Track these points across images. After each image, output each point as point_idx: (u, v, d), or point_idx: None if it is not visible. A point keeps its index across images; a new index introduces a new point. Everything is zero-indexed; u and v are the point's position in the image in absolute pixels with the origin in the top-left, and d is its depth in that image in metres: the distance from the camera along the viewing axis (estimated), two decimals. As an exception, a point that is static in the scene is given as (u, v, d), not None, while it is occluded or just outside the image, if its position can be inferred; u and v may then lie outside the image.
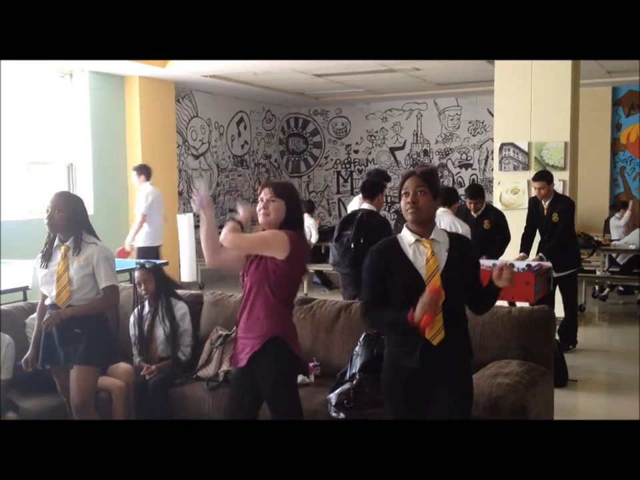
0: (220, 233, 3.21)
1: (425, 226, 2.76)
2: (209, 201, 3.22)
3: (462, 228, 5.36)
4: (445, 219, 5.34)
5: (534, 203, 6.39)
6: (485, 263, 5.53)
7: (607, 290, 8.76)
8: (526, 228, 6.42)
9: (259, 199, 3.20)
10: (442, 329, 2.70)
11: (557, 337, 5.24)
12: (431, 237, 2.75)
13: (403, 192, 2.75)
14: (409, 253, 2.76)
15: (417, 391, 2.77)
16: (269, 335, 3.12)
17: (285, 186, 3.30)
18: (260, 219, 3.19)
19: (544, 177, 6.17)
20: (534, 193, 6.36)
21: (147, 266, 4.49)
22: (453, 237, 2.84)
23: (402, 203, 2.76)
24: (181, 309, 4.42)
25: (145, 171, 7.84)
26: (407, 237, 2.79)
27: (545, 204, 6.22)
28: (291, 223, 3.17)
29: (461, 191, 8.64)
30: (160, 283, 4.44)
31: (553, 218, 6.13)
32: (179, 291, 4.66)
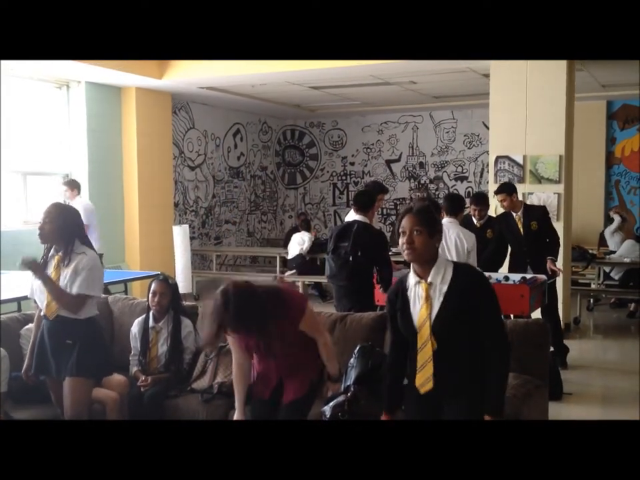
0: None
1: (426, 264, 2.71)
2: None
3: (468, 241, 5.33)
4: (451, 231, 5.31)
5: (503, 218, 6.38)
6: (493, 275, 5.56)
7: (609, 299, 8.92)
8: (496, 246, 6.25)
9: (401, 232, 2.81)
10: (430, 379, 2.68)
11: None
12: (429, 279, 2.70)
13: (400, 230, 2.72)
14: (410, 296, 2.75)
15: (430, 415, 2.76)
16: (316, 376, 3.37)
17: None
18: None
19: (504, 189, 6.23)
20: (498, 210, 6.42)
21: (169, 281, 4.48)
22: (458, 272, 2.72)
23: (400, 241, 2.73)
24: (187, 327, 4.39)
25: (77, 185, 7.82)
26: (410, 278, 2.78)
27: (517, 215, 6.24)
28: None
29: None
30: (173, 299, 4.43)
31: (532, 226, 6.17)
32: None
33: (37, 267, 3.53)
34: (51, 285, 3.55)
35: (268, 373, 3.33)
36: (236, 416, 3.37)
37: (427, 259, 2.71)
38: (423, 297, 2.70)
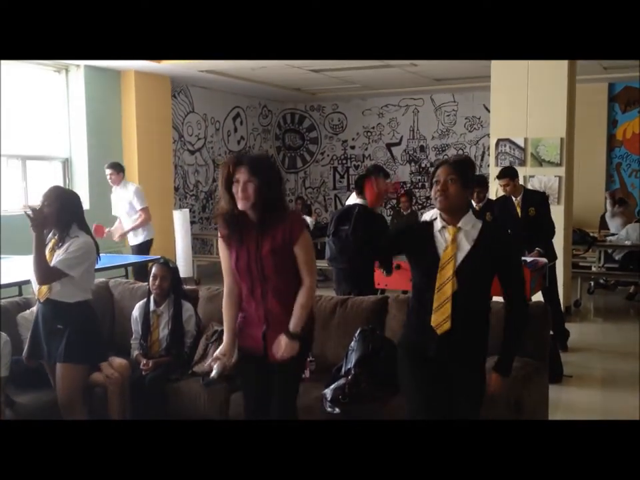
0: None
1: (455, 214, 2.77)
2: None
3: None
4: None
5: (502, 201, 6.38)
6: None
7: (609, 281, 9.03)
8: None
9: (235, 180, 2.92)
10: (448, 319, 2.70)
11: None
12: (458, 224, 2.76)
13: (434, 180, 2.77)
14: (436, 237, 2.79)
15: (432, 377, 2.78)
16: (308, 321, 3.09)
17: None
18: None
19: (507, 173, 6.21)
20: (499, 192, 6.43)
21: (170, 265, 4.49)
22: (487, 228, 2.80)
23: (432, 191, 2.77)
24: (187, 310, 4.40)
25: (122, 168, 7.67)
26: (437, 223, 2.82)
27: (516, 200, 6.23)
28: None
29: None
30: (173, 283, 4.43)
31: (530, 212, 6.17)
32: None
33: (36, 217, 3.44)
34: (39, 245, 3.47)
35: (254, 314, 3.08)
36: (223, 346, 3.11)
37: (458, 209, 2.76)
38: (449, 240, 2.75)
